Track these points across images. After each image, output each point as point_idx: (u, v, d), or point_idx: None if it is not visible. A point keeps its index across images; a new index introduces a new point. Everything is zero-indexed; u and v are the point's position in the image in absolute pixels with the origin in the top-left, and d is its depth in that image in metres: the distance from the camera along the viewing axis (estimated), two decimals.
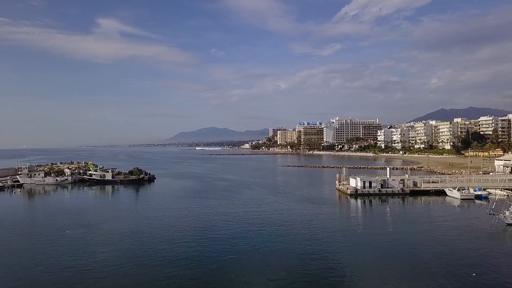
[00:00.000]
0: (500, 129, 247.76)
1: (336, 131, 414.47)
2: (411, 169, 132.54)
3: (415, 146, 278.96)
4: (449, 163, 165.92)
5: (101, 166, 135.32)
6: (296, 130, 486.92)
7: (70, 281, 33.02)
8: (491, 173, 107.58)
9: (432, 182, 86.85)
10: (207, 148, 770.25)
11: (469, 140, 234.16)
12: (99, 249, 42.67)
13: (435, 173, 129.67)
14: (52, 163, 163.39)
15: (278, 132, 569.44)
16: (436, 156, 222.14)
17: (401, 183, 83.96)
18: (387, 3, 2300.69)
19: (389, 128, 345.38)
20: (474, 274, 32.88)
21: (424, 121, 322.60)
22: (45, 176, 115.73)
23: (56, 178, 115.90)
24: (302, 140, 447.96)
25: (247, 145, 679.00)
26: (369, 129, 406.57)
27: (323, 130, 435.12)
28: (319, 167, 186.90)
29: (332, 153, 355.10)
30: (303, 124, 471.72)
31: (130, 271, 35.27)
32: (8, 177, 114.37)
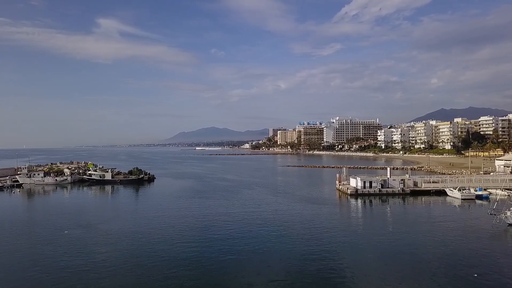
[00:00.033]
0: (500, 129, 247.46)
1: (336, 131, 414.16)
2: (411, 169, 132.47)
3: (415, 146, 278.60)
4: (449, 163, 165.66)
5: (100, 166, 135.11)
6: (296, 130, 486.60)
7: (68, 282, 32.75)
8: (491, 173, 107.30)
9: (433, 182, 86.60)
10: (207, 148, 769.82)
11: (470, 140, 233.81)
12: (98, 249, 42.40)
13: (436, 173, 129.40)
14: (51, 163, 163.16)
15: (278, 132, 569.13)
16: (436, 156, 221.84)
17: (401, 183, 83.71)
18: (387, 3, 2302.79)
19: (389, 128, 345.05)
20: (475, 275, 32.61)
21: (424, 121, 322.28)
22: (44, 176, 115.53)
23: (55, 178, 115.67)
24: (302, 140, 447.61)
25: (247, 145, 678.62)
26: (369, 129, 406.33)
27: (323, 130, 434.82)
28: (319, 167, 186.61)
29: (332, 153, 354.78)
30: (303, 124, 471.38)
31: (129, 272, 35.02)
32: (7, 177, 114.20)
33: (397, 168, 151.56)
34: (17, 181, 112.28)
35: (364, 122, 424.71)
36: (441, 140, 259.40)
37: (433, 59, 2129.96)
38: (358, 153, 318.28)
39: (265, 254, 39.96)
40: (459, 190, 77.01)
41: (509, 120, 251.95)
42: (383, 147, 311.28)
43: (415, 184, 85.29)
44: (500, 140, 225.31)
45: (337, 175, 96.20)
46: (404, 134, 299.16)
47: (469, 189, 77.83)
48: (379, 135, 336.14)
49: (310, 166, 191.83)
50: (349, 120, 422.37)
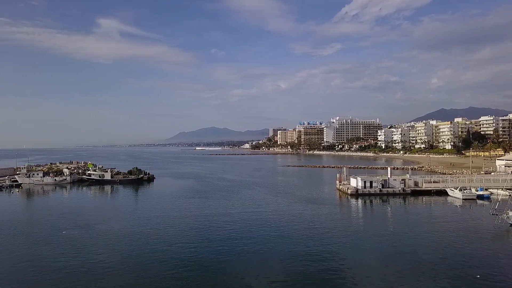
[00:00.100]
0: (501, 129, 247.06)
1: (337, 131, 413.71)
2: (412, 169, 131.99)
3: (415, 146, 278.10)
4: (450, 163, 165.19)
5: (100, 166, 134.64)
6: (296, 130, 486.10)
7: (65, 283, 32.33)
8: (492, 173, 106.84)
9: (434, 182, 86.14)
10: (207, 148, 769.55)
11: (470, 140, 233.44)
12: (96, 249, 41.95)
13: (436, 173, 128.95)
14: (51, 163, 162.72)
15: (278, 132, 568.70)
16: (436, 156, 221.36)
17: (402, 183, 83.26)
18: (387, 3, 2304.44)
19: (390, 128, 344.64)
20: (478, 276, 32.17)
21: (424, 121, 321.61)
22: (43, 176, 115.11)
23: (54, 178, 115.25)
24: (302, 140, 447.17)
25: (247, 145, 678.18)
26: (370, 129, 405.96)
27: (323, 130, 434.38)
28: (319, 167, 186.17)
29: (332, 153, 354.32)
30: (303, 124, 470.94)
31: (127, 273, 34.58)
32: (6, 177, 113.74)
33: (397, 168, 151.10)
34: (16, 181, 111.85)
35: (364, 122, 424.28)
36: (441, 140, 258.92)
37: (433, 59, 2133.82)
38: (358, 153, 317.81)
39: (265, 255, 39.53)
40: (460, 190, 76.59)
41: (509, 120, 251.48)
42: (383, 147, 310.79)
43: (416, 184, 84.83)
44: (501, 140, 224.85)
45: (338, 175, 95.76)
46: (404, 134, 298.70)
47: (470, 189, 77.42)
48: (379, 135, 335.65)
49: (310, 166, 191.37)
50: (349, 120, 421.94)
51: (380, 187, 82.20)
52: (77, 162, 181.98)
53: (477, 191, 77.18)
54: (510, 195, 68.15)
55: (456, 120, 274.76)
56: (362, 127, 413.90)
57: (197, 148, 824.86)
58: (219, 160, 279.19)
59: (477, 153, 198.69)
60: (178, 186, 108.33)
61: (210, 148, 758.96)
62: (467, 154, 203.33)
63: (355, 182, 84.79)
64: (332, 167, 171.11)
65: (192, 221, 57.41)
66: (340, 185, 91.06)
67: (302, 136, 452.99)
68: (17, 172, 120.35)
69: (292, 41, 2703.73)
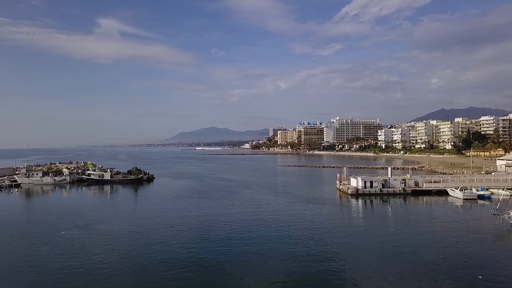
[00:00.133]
0: (501, 129, 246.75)
1: (337, 131, 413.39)
2: (412, 169, 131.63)
3: (415, 146, 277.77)
4: (450, 162, 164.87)
5: (100, 166, 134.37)
6: (297, 130, 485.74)
7: (64, 283, 32.08)
8: (493, 173, 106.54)
9: (434, 182, 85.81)
10: (207, 148, 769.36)
11: (470, 140, 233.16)
12: (95, 250, 41.66)
13: (437, 173, 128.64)
14: (50, 163, 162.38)
15: (278, 132, 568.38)
16: (437, 156, 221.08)
17: (402, 183, 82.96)
18: (387, 3, 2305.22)
19: (390, 128, 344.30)
20: (480, 277, 31.87)
21: (425, 121, 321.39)
22: (43, 176, 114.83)
23: (54, 178, 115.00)
24: (302, 140, 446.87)
25: (247, 145, 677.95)
26: (370, 129, 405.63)
27: (323, 130, 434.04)
28: (319, 167, 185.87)
29: (332, 153, 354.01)
30: (304, 124, 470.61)
31: (126, 273, 34.29)
32: (5, 177, 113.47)
33: (397, 168, 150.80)
34: (16, 181, 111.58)
35: (364, 122, 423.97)
36: (441, 140, 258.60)
37: (433, 59, 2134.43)
38: (359, 153, 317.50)
39: (265, 255, 39.24)
40: (461, 190, 76.28)
41: (510, 120, 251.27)
42: (383, 147, 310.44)
43: (416, 184, 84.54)
44: (501, 140, 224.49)
45: (338, 175, 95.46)
46: (404, 134, 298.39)
47: (471, 189, 77.10)
48: (379, 135, 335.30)
49: (310, 166, 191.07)
50: (349, 120, 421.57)
51: (381, 187, 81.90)
52: (77, 162, 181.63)
53: (478, 191, 76.87)
54: (511, 195, 67.97)
55: (456, 120, 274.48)
56: (362, 127, 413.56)
57: (197, 148, 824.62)
58: (219, 160, 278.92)
59: (478, 153, 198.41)
60: (178, 186, 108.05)
61: (210, 148, 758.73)
62: (468, 154, 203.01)
63: (356, 182, 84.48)
64: (332, 167, 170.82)
65: (191, 221, 57.12)
66: (340, 185, 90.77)
67: (302, 136, 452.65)
68: (17, 172, 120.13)
69: (292, 41, 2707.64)
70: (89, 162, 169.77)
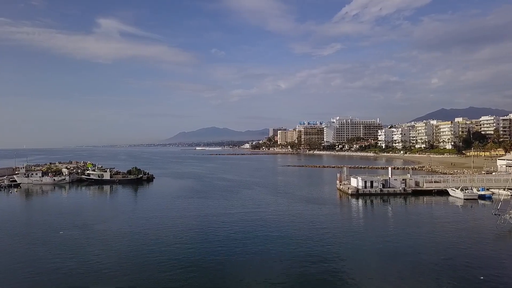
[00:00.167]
0: (501, 129, 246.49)
1: (337, 131, 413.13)
2: (412, 169, 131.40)
3: (415, 146, 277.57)
4: (450, 162, 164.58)
5: (99, 166, 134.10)
6: (297, 130, 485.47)
7: (61, 283, 31.78)
8: (493, 173, 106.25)
9: (435, 182, 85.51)
10: (207, 148, 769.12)
11: (471, 140, 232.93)
12: (93, 250, 41.35)
13: (437, 172, 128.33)
14: (50, 163, 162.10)
15: (278, 132, 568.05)
16: (437, 156, 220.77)
17: (403, 183, 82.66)
18: (387, 3, 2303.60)
19: (390, 128, 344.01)
20: (481, 277, 31.56)
21: (425, 121, 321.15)
22: (42, 176, 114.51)
23: (53, 178, 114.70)
24: (302, 140, 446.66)
25: (247, 145, 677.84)
26: (370, 129, 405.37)
27: (323, 130, 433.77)
28: (319, 167, 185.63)
29: (332, 153, 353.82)
30: (304, 124, 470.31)
31: (124, 274, 33.99)
32: (5, 177, 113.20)
33: (398, 168, 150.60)
34: (15, 180, 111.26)
35: (364, 122, 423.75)
36: (442, 140, 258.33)
37: (433, 59, 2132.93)
38: (359, 153, 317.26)
39: (265, 255, 38.93)
40: (462, 190, 75.98)
41: (510, 119, 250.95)
42: (383, 147, 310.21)
43: (417, 184, 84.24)
44: (501, 139, 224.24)
45: (338, 175, 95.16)
46: (404, 134, 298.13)
47: (471, 189, 76.78)
48: (379, 135, 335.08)
49: (310, 166, 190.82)
50: (349, 120, 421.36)
51: (381, 187, 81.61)
52: (77, 162, 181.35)
53: (479, 191, 76.57)
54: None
55: (456, 120, 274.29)
56: (362, 127, 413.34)
57: (197, 148, 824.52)
58: (219, 160, 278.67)
59: (478, 153, 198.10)
60: (177, 186, 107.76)
61: (210, 148, 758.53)
62: (468, 154, 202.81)
63: (356, 182, 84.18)
64: (332, 167, 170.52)
65: (191, 222, 56.83)
66: (340, 185, 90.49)
67: (302, 136, 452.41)
68: (16, 172, 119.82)
69: (292, 41, 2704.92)
70: (88, 162, 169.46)
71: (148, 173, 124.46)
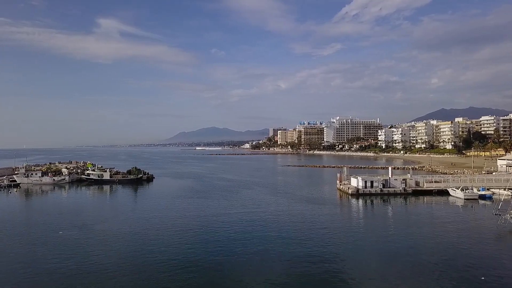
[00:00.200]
0: (501, 129, 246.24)
1: (337, 131, 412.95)
2: (412, 169, 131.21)
3: (416, 146, 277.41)
4: (451, 162, 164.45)
5: (99, 166, 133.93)
6: (297, 130, 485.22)
7: (59, 284, 31.61)
8: (494, 173, 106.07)
9: (435, 182, 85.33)
10: (207, 148, 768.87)
11: (471, 140, 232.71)
12: (92, 250, 41.17)
13: (437, 172, 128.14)
14: (50, 163, 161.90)
15: (278, 132, 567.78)
16: (437, 155, 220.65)
17: (403, 182, 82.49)
18: (387, 3, 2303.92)
19: (390, 128, 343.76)
20: (482, 278, 31.39)
21: (425, 121, 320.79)
22: (42, 176, 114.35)
23: (53, 177, 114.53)
24: (302, 140, 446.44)
25: (247, 145, 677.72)
26: (370, 129, 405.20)
27: (323, 130, 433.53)
28: (319, 166, 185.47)
29: (332, 153, 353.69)
30: (304, 124, 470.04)
31: (123, 274, 33.81)
32: (4, 177, 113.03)
33: (398, 168, 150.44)
34: (15, 180, 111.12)
35: (364, 122, 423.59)
36: (442, 140, 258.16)
37: (433, 59, 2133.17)
38: (359, 153, 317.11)
39: (264, 256, 38.76)
40: (462, 190, 75.80)
41: (510, 119, 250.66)
42: (383, 147, 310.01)
43: (417, 184, 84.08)
44: (502, 139, 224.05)
45: (338, 175, 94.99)
46: (404, 134, 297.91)
47: (472, 189, 76.61)
48: (379, 135, 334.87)
49: (310, 166, 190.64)
50: (349, 120, 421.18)
51: (381, 187, 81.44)
52: (76, 162, 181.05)
53: (479, 191, 76.42)
54: None
55: (456, 120, 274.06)
56: (362, 127, 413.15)
57: (197, 148, 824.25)
58: (219, 160, 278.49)
59: (478, 153, 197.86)
60: (177, 186, 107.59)
61: (210, 148, 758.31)
62: (468, 154, 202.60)
63: (356, 182, 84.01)
64: (333, 167, 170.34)
65: (191, 222, 56.66)
66: (340, 185, 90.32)
67: (302, 136, 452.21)
68: (16, 172, 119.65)
69: (292, 41, 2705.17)
70: (88, 162, 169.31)
71: (148, 173, 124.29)
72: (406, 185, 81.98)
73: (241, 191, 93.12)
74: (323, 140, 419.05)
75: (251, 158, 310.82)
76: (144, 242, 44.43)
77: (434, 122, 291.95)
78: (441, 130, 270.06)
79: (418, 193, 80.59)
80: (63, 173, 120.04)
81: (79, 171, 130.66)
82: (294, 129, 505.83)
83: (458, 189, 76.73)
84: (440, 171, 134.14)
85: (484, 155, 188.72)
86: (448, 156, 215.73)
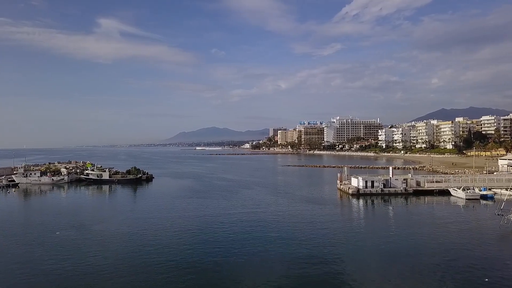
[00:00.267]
0: (502, 129, 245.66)
1: (337, 131, 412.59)
2: (413, 169, 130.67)
3: (416, 146, 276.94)
4: (451, 162, 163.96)
5: (99, 166, 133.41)
6: (297, 130, 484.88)
7: (56, 286, 31.05)
8: (495, 173, 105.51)
9: (436, 181, 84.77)
10: (207, 148, 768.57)
11: (471, 140, 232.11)
12: (89, 251, 40.62)
13: (438, 172, 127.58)
14: (49, 163, 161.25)
15: (278, 132, 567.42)
16: (437, 155, 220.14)
17: (404, 182, 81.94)
18: (388, 3, 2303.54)
19: (390, 127, 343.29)
20: (486, 279, 30.82)
21: (425, 121, 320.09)
22: (41, 176, 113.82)
23: (52, 177, 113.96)
24: (302, 140, 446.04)
25: (247, 145, 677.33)
26: (370, 128, 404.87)
27: (323, 130, 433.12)
28: (319, 166, 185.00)
29: (332, 152, 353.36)
30: (304, 123, 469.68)
31: (121, 276, 33.27)
32: (3, 177, 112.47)
33: (398, 168, 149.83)
34: (13, 180, 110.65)
35: (364, 122, 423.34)
36: (442, 140, 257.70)
37: (433, 59, 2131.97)
38: (359, 153, 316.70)
39: (264, 256, 38.23)
40: (464, 190, 75.23)
41: (511, 119, 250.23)
42: (384, 147, 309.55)
43: (418, 183, 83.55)
44: (502, 139, 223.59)
45: (338, 175, 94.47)
46: (405, 134, 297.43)
47: (473, 189, 76.04)
48: (380, 135, 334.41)
49: (310, 166, 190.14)
50: (349, 120, 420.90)
51: (382, 187, 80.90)
52: (76, 162, 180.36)
53: (481, 191, 75.85)
54: None
55: (457, 119, 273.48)
56: (363, 127, 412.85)
57: (197, 148, 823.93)
58: (219, 160, 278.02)
59: (479, 152, 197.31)
60: (177, 186, 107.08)
61: (210, 148, 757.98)
62: (469, 153, 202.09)
63: (356, 182, 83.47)
64: (333, 167, 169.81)
65: (190, 222, 56.12)
66: (341, 185, 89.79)
67: (303, 136, 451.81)
68: (14, 172, 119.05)
69: (292, 41, 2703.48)
70: (88, 162, 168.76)
71: (147, 173, 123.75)
72: (407, 185, 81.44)
73: (241, 191, 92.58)
74: (323, 140, 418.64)
75: (251, 158, 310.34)
76: (142, 243, 43.89)
77: (434, 122, 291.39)
78: (442, 130, 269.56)
79: (419, 193, 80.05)
80: (62, 173, 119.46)
81: (78, 171, 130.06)
82: (294, 129, 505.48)
83: (459, 189, 76.17)
84: (441, 171, 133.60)
85: (485, 155, 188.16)
86: (449, 156, 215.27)
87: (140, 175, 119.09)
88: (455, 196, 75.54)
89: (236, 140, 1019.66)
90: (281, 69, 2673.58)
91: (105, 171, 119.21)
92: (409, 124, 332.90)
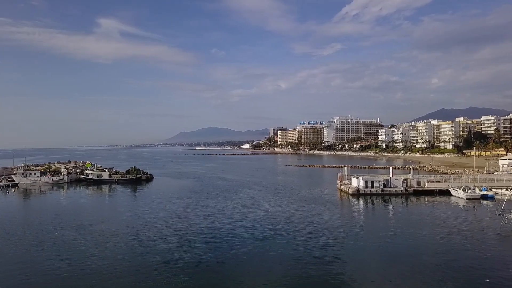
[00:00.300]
0: (502, 129, 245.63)
1: (337, 131, 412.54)
2: (413, 169, 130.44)
3: (416, 146, 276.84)
4: (452, 162, 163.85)
5: (98, 166, 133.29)
6: (297, 130, 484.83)
7: (54, 286, 30.92)
8: (495, 173, 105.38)
9: (436, 181, 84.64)
10: (207, 148, 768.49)
11: (471, 140, 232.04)
12: (88, 251, 40.49)
13: (438, 172, 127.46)
14: (49, 163, 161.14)
15: (278, 132, 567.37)
16: (438, 155, 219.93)
17: (404, 182, 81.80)
18: (388, 3, 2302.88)
19: (390, 127, 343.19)
20: (487, 280, 30.68)
21: (425, 121, 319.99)
22: (40, 176, 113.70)
23: (51, 177, 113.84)
24: (302, 140, 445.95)
25: (247, 145, 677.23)
26: (370, 128, 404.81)
27: (323, 130, 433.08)
28: (319, 166, 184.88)
29: (333, 152, 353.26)
30: (304, 123, 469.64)
31: (120, 276, 33.14)
32: (3, 177, 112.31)
33: (398, 168, 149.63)
34: (13, 180, 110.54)
35: (364, 122, 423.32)
36: (442, 140, 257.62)
37: (433, 59, 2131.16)
38: (359, 153, 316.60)
39: (264, 256, 38.10)
40: (464, 190, 75.10)
41: (511, 119, 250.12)
42: (384, 147, 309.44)
43: (418, 183, 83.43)
44: (502, 139, 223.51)
45: (339, 175, 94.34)
46: (405, 134, 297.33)
47: (474, 189, 75.90)
48: (380, 135, 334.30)
49: (310, 166, 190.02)
50: (349, 120, 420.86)
51: (382, 187, 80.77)
52: (76, 162, 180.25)
53: (481, 191, 75.72)
54: None
55: (457, 119, 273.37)
56: (363, 127, 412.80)
57: (197, 148, 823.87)
58: (219, 160, 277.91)
59: (479, 152, 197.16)
60: (177, 186, 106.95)
61: (210, 148, 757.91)
62: (469, 153, 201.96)
63: (357, 182, 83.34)
64: (333, 167, 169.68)
65: (190, 222, 55.99)
66: (341, 185, 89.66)
67: (303, 136, 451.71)
68: (14, 172, 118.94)
69: (292, 41, 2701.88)
70: (87, 161, 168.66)
71: (147, 173, 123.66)
72: (407, 185, 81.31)
73: (241, 191, 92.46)
74: (323, 140, 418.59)
75: (251, 158, 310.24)
76: (141, 243, 43.76)
77: (434, 122, 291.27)
78: (442, 130, 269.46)
79: (419, 193, 79.93)
80: (62, 173, 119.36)
81: (78, 171, 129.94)
82: (294, 129, 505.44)
83: (459, 189, 76.04)
84: (441, 171, 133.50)
85: (485, 155, 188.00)
86: (449, 156, 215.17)
87: (140, 175, 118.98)
88: (455, 196, 75.41)
89: (236, 140, 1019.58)
90: (281, 69, 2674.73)
91: (105, 171, 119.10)
92: (409, 124, 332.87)
